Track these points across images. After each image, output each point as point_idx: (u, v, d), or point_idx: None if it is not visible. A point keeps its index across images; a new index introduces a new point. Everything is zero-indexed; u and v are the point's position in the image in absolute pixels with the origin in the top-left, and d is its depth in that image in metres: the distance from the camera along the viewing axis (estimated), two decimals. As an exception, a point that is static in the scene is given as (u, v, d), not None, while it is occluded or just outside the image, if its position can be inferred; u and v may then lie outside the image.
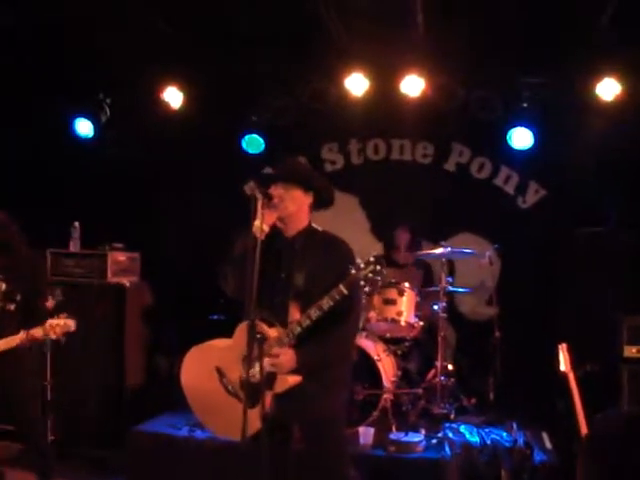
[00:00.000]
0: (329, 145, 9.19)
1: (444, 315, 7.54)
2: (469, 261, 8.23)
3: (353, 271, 4.12)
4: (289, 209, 4.41)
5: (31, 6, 7.30)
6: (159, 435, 6.91)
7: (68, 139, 8.92)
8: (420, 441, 6.43)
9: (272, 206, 4.33)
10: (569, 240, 7.77)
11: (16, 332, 5.35)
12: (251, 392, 4.01)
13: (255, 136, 8.76)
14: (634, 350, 6.84)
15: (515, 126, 8.11)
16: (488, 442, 6.65)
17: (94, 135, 8.90)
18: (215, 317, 7.99)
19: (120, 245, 8.06)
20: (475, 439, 6.73)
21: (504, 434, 6.81)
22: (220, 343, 4.51)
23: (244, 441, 3.94)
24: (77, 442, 7.47)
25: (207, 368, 4.44)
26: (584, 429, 4.72)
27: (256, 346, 3.97)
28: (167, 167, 9.11)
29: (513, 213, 8.60)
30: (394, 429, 6.71)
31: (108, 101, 8.81)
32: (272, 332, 4.23)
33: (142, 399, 7.77)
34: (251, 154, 8.83)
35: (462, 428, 7.00)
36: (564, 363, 5.13)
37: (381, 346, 7.24)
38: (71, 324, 5.38)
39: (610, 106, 7.68)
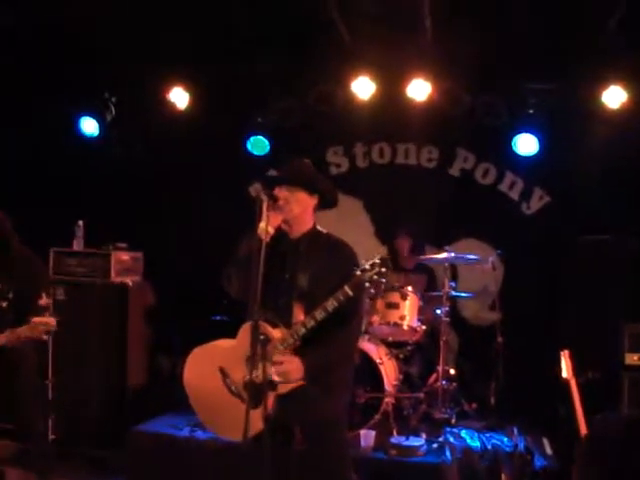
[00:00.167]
0: (334, 148, 9.19)
1: (447, 319, 7.55)
2: (472, 266, 8.22)
3: (358, 273, 4.12)
4: (294, 211, 4.41)
5: (34, 5, 7.33)
6: (160, 435, 6.91)
7: (73, 138, 8.94)
8: (421, 445, 6.43)
9: (277, 208, 4.32)
10: (572, 247, 7.76)
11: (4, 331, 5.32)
12: (254, 393, 4.01)
13: (260, 138, 8.75)
14: (635, 358, 6.84)
15: (520, 132, 8.12)
16: (489, 447, 6.66)
17: (99, 134, 8.91)
18: (218, 318, 7.98)
19: (123, 245, 8.06)
20: (476, 444, 6.74)
21: (505, 439, 6.82)
22: (224, 344, 4.50)
23: (245, 442, 3.94)
24: (78, 442, 7.46)
25: (210, 368, 4.44)
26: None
27: (259, 347, 3.98)
28: (171, 167, 9.12)
29: (517, 219, 8.59)
30: (395, 433, 6.72)
31: (113, 100, 8.82)
32: (276, 333, 4.23)
33: (143, 399, 7.76)
34: (256, 156, 8.83)
35: (463, 433, 7.01)
36: (566, 370, 5.13)
37: (383, 350, 7.24)
38: (53, 322, 5.33)
39: (616, 114, 7.68)
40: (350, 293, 4.12)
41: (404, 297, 7.36)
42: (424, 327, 7.53)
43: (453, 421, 7.26)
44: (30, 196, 8.50)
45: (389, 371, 7.02)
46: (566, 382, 5.07)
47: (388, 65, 8.04)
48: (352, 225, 8.40)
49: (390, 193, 8.94)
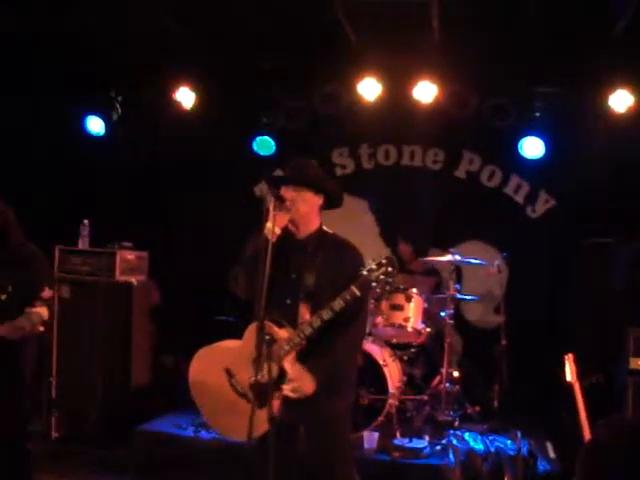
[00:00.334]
0: (340, 149, 9.19)
1: (451, 322, 7.55)
2: (477, 269, 8.21)
3: (365, 272, 4.13)
4: (301, 211, 4.42)
5: (43, 4, 7.35)
6: (164, 435, 6.91)
7: (79, 137, 8.95)
8: (424, 447, 6.43)
9: (284, 208, 4.33)
10: (577, 250, 7.75)
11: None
12: (260, 393, 4.01)
13: (266, 138, 8.76)
14: (640, 362, 6.83)
15: (527, 135, 8.12)
16: (492, 450, 6.65)
17: (105, 133, 8.93)
18: (222, 318, 7.98)
19: (128, 244, 8.04)
20: (479, 447, 6.73)
21: (508, 442, 6.81)
22: (230, 344, 4.51)
23: (250, 442, 3.95)
24: (81, 440, 7.45)
25: (216, 368, 4.44)
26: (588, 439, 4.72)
27: (265, 347, 3.98)
28: (177, 166, 9.13)
29: (522, 222, 8.59)
30: (398, 435, 6.72)
31: (120, 99, 8.83)
32: (282, 333, 4.24)
33: (147, 398, 7.76)
34: (262, 156, 8.83)
35: (466, 435, 7.00)
36: (570, 374, 5.12)
37: (387, 351, 7.23)
38: (45, 313, 5.27)
39: (622, 117, 7.68)
40: (357, 293, 4.13)
41: (409, 299, 7.36)
42: (428, 329, 7.52)
43: (456, 423, 7.25)
44: (36, 194, 8.52)
45: (393, 373, 7.02)
46: (570, 386, 5.06)
47: (394, 67, 8.04)
48: (357, 226, 8.40)
49: (395, 194, 8.95)
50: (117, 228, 8.11)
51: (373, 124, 8.56)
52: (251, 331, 4.29)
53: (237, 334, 4.46)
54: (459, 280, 8.17)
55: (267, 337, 4.00)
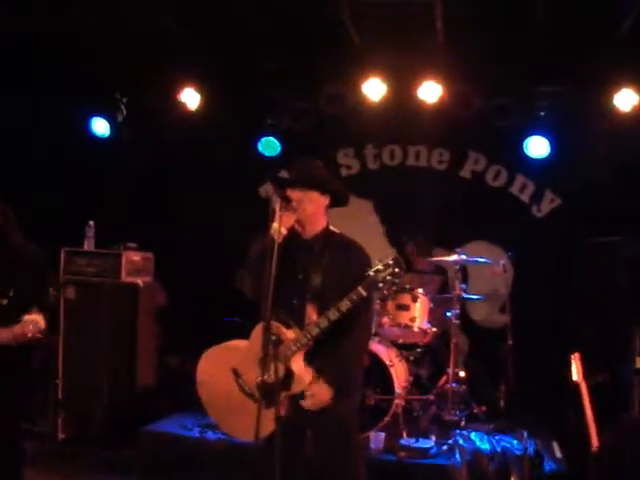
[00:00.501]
0: (345, 150, 9.20)
1: (457, 322, 7.55)
2: (483, 268, 8.21)
3: (372, 273, 4.13)
4: (308, 211, 4.41)
5: (43, 4, 7.36)
6: (170, 435, 6.92)
7: (84, 138, 8.96)
8: (430, 447, 6.44)
9: (290, 209, 4.33)
10: (583, 249, 7.75)
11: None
12: (267, 393, 4.02)
13: (271, 139, 8.77)
14: (646, 361, 6.82)
15: (532, 135, 8.12)
16: (498, 450, 6.64)
17: (110, 134, 8.94)
18: (229, 319, 7.97)
19: (134, 245, 8.04)
20: (485, 446, 6.72)
21: (514, 442, 6.80)
22: (237, 344, 4.52)
23: (257, 442, 3.95)
24: (87, 441, 7.45)
25: (223, 369, 4.45)
26: (595, 439, 4.72)
27: (272, 348, 3.98)
28: (182, 167, 9.14)
29: (528, 222, 8.60)
30: (405, 435, 6.72)
31: (124, 100, 8.84)
32: (289, 333, 4.24)
33: (153, 399, 7.76)
34: (267, 157, 8.84)
35: (473, 435, 7.00)
36: (576, 373, 5.13)
37: (394, 351, 7.23)
38: (41, 322, 5.14)
39: (627, 116, 7.67)
40: (364, 294, 4.13)
41: (415, 299, 7.35)
42: (434, 329, 7.51)
43: (463, 423, 7.25)
44: (41, 196, 8.53)
45: (399, 373, 7.01)
46: (576, 385, 5.06)
47: (399, 67, 8.03)
48: (362, 226, 8.36)
49: (400, 195, 8.95)
50: (122, 229, 8.12)
51: (378, 124, 8.55)
52: (258, 331, 4.29)
53: (243, 335, 4.47)
54: (465, 280, 8.16)
55: (274, 337, 4.00)
